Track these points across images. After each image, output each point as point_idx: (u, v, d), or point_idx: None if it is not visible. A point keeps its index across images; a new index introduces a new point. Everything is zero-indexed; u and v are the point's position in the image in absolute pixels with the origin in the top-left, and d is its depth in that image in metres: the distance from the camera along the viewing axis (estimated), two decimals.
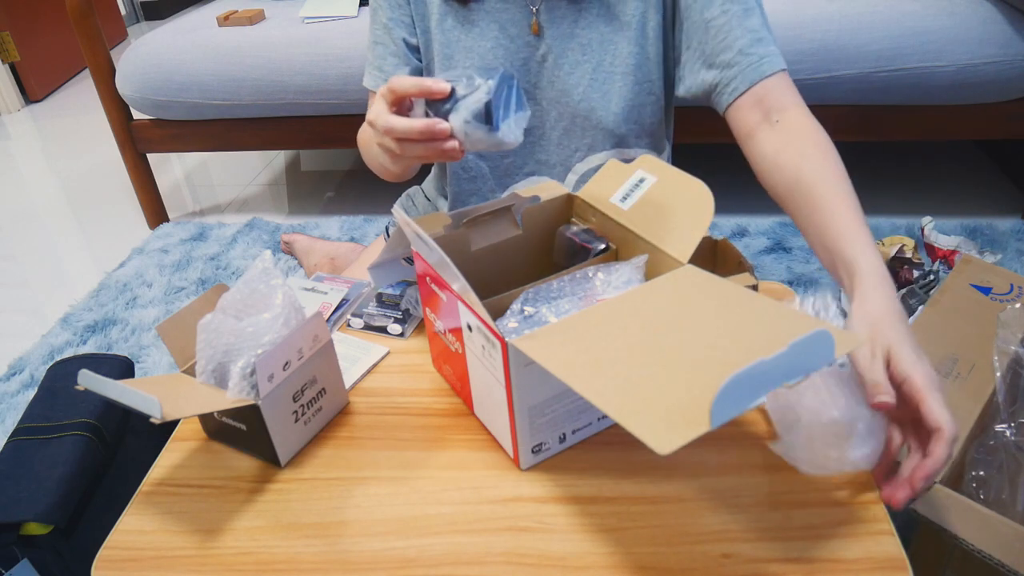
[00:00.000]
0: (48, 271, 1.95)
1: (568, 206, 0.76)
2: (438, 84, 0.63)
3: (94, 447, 0.89)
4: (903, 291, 1.32)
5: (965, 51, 1.52)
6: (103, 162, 2.52)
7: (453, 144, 0.64)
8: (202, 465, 0.66)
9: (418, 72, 0.95)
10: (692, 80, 0.87)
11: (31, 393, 1.46)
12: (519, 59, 0.89)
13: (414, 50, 0.94)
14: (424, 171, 1.08)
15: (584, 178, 0.96)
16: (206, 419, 0.69)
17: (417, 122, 0.64)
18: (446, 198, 1.05)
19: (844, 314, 1.36)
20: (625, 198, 0.70)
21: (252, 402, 0.60)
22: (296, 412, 0.64)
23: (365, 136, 0.93)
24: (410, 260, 0.75)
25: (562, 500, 0.59)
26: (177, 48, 1.82)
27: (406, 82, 0.64)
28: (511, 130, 0.64)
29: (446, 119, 0.63)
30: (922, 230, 1.51)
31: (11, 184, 2.48)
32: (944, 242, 1.47)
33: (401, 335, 0.79)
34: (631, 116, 0.91)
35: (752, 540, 0.55)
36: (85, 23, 1.79)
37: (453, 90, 0.63)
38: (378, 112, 0.66)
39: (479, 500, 0.60)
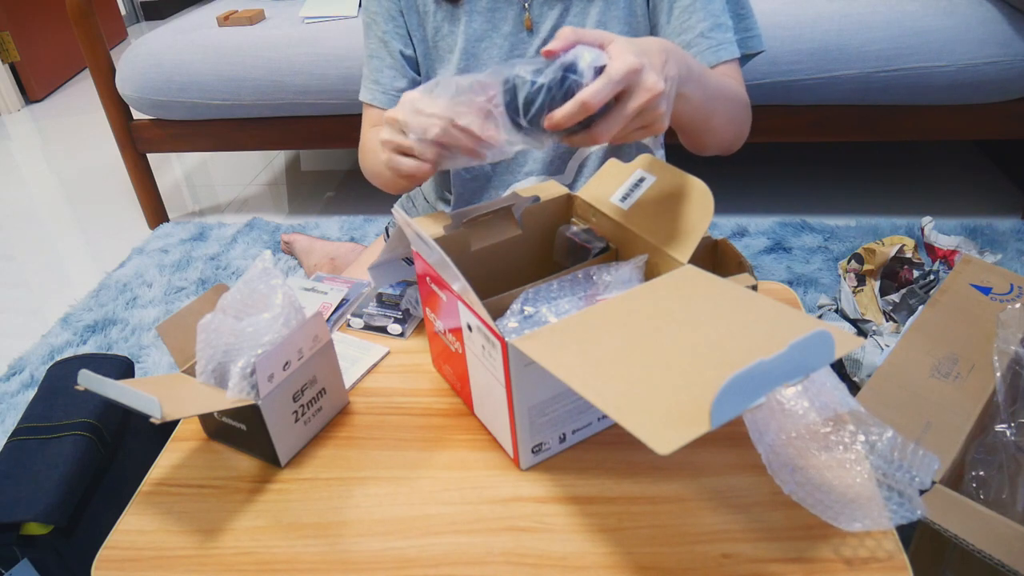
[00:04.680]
0: (48, 271, 1.95)
1: (568, 206, 0.76)
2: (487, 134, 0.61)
3: (94, 447, 0.89)
4: (903, 291, 1.32)
5: (965, 51, 1.52)
6: (103, 162, 2.52)
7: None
8: (202, 465, 0.66)
9: (414, 84, 0.95)
10: None
11: (31, 393, 1.46)
12: (515, 56, 0.90)
13: (410, 61, 0.94)
14: None
15: (585, 164, 0.96)
16: (206, 419, 0.69)
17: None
18: (446, 203, 1.05)
19: (844, 317, 1.36)
20: (625, 198, 0.70)
21: (252, 402, 0.60)
22: (296, 412, 0.64)
23: (366, 148, 0.93)
24: (410, 260, 0.75)
25: (562, 500, 0.59)
26: (177, 48, 1.82)
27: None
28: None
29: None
30: (922, 230, 1.51)
31: (11, 184, 2.48)
32: (944, 242, 1.46)
33: (401, 335, 0.79)
34: None
35: (752, 540, 0.55)
36: (85, 23, 1.79)
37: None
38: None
39: (479, 500, 0.60)
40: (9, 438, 0.89)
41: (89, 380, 0.59)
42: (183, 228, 2.01)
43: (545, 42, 0.88)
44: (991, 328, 0.89)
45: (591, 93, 0.56)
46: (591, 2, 0.87)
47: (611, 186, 0.72)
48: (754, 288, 0.61)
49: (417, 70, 0.95)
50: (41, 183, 2.47)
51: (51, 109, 3.13)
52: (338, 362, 0.69)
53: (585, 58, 0.59)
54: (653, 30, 0.89)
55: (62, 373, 0.99)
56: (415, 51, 0.94)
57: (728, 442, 0.63)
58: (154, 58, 1.81)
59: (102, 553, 0.59)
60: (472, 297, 0.56)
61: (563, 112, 0.57)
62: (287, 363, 0.62)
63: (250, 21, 1.86)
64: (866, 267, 1.41)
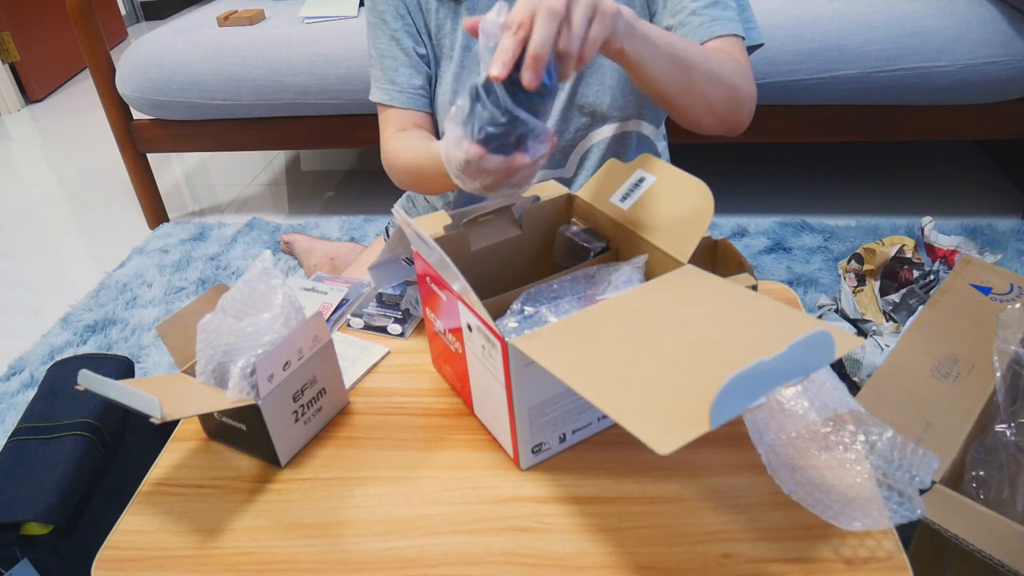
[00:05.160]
0: (48, 271, 1.95)
1: (568, 206, 0.76)
2: (518, 161, 0.60)
3: (94, 447, 0.89)
4: (903, 291, 1.32)
5: (965, 51, 1.52)
6: (103, 162, 2.52)
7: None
8: (202, 465, 0.66)
9: (429, 80, 0.95)
10: None
11: (31, 393, 1.46)
12: None
13: (424, 59, 0.94)
14: None
15: (587, 157, 0.96)
16: (206, 419, 0.69)
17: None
18: (447, 203, 1.04)
19: (844, 317, 1.36)
20: (625, 198, 0.70)
21: (252, 402, 0.60)
22: (296, 412, 0.64)
23: (412, 162, 0.89)
24: (410, 260, 0.75)
25: (562, 500, 0.59)
26: (177, 48, 1.82)
27: (496, 180, 0.61)
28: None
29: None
30: (922, 230, 1.51)
31: (11, 184, 2.48)
32: (944, 242, 1.47)
33: (401, 335, 0.79)
34: (626, 88, 0.91)
35: (752, 540, 0.55)
36: (85, 23, 1.79)
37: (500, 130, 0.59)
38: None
39: (479, 500, 0.60)
40: (9, 438, 0.89)
41: (89, 380, 0.59)
42: (183, 228, 2.01)
43: None
44: (991, 328, 0.89)
45: (513, 17, 0.56)
46: None
47: (611, 186, 0.72)
48: (754, 288, 0.61)
49: (429, 66, 0.95)
50: (41, 183, 2.47)
51: (51, 109, 3.13)
52: (338, 362, 0.69)
53: (488, 19, 0.58)
54: (652, 19, 0.88)
55: (62, 373, 0.99)
56: (426, 48, 0.94)
57: (728, 442, 0.63)
58: (154, 58, 1.81)
59: (102, 553, 0.59)
60: (472, 297, 0.56)
61: (499, 55, 0.56)
62: (287, 363, 0.62)
63: (250, 21, 1.86)
64: (866, 267, 1.41)
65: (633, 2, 0.88)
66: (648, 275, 0.65)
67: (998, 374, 0.84)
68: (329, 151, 2.43)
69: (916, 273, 1.36)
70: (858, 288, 1.39)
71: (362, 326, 0.81)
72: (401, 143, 0.91)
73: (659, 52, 0.71)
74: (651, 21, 0.89)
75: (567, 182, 0.97)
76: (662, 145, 1.01)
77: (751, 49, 0.91)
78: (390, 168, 0.94)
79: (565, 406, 0.61)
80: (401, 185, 0.94)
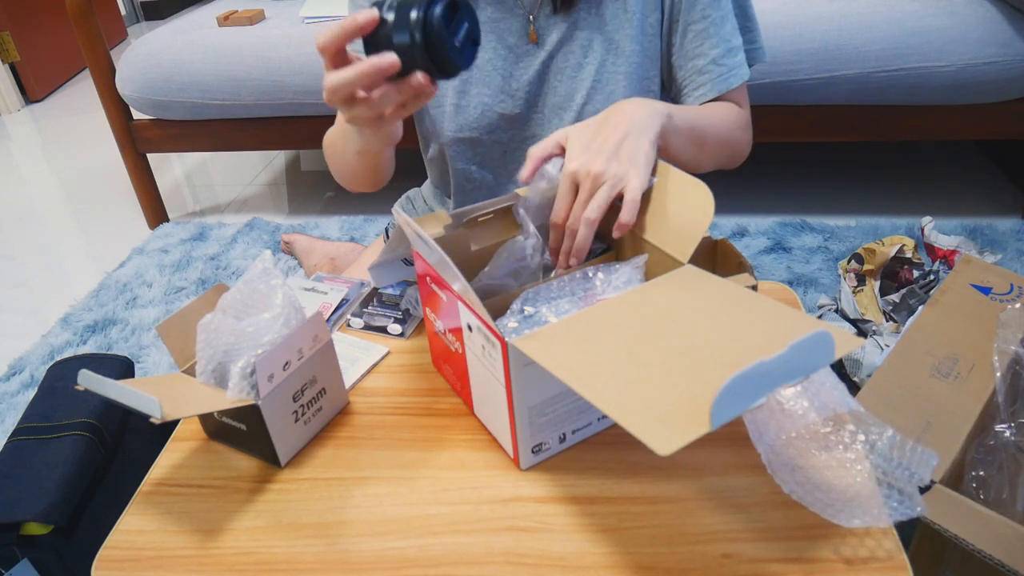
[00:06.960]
0: (48, 271, 1.95)
1: None
2: (363, 15, 0.57)
3: (94, 447, 0.89)
4: (903, 291, 1.32)
5: (965, 51, 1.52)
6: (103, 162, 2.52)
7: (416, 78, 0.59)
8: (202, 465, 0.66)
9: None
10: (666, 75, 0.92)
11: (31, 393, 1.46)
12: (519, 69, 0.89)
13: None
14: (423, 175, 1.08)
15: None
16: (206, 419, 0.69)
17: (360, 64, 0.58)
18: (446, 208, 1.04)
19: (844, 317, 1.36)
20: None
21: (252, 402, 0.60)
22: (296, 412, 0.64)
23: (330, 138, 0.92)
24: (410, 260, 0.75)
25: (562, 500, 0.59)
26: (177, 48, 1.82)
27: (330, 31, 0.58)
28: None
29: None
30: (922, 230, 1.51)
31: (11, 184, 2.48)
32: (944, 242, 1.47)
33: (401, 335, 0.79)
34: None
35: (752, 540, 0.55)
36: (85, 23, 1.79)
37: (383, 19, 0.57)
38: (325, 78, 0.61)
39: (479, 500, 0.60)
40: (9, 438, 0.89)
41: (89, 380, 0.59)
42: (183, 228, 2.01)
43: (551, 55, 0.88)
44: (991, 328, 0.89)
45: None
46: (599, 16, 0.86)
47: None
48: (754, 288, 0.61)
49: None
50: (41, 183, 2.47)
51: (51, 109, 3.13)
52: (338, 362, 0.68)
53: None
54: (668, 49, 0.89)
55: (62, 373, 0.99)
56: None
57: (728, 442, 0.63)
58: (154, 58, 1.81)
59: (102, 553, 0.59)
60: (472, 297, 0.56)
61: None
62: (287, 363, 0.62)
63: (250, 21, 1.86)
64: (866, 267, 1.41)
65: (646, 30, 0.87)
66: (648, 275, 0.65)
67: (998, 374, 0.84)
68: None
69: (916, 273, 1.36)
70: (858, 288, 1.39)
71: (362, 326, 0.81)
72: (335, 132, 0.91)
73: (684, 139, 0.77)
74: (666, 51, 0.90)
75: None
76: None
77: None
78: (328, 157, 0.94)
79: (565, 406, 0.61)
80: (332, 170, 0.94)
